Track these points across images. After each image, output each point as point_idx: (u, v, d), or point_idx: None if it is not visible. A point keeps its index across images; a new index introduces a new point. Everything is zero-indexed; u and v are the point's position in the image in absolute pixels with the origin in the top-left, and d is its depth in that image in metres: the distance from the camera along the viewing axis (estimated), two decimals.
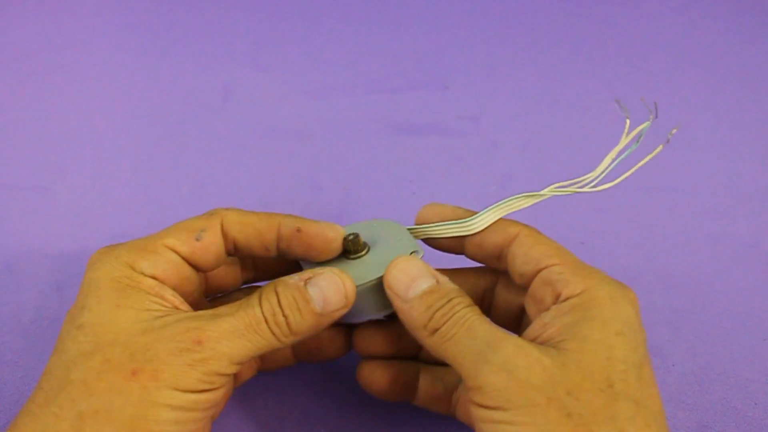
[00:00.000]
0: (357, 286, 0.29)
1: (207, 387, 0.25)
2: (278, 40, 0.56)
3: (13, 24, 0.56)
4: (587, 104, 0.53)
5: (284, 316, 0.27)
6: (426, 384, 0.32)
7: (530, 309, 0.28)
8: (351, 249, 0.30)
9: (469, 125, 0.51)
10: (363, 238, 0.30)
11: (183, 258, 0.28)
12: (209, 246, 0.29)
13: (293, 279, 0.28)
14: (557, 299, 0.26)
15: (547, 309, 0.27)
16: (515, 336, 0.25)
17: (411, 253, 0.30)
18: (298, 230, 0.29)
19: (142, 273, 0.27)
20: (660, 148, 0.28)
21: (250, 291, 0.34)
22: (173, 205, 0.45)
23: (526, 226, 0.29)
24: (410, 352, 0.33)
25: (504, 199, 0.30)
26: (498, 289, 0.32)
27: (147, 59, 0.54)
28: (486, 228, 0.30)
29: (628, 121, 0.29)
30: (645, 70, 0.56)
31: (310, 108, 0.51)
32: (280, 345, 0.27)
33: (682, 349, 0.38)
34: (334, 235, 0.30)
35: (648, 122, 0.28)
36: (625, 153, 0.29)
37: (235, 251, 0.30)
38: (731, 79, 0.55)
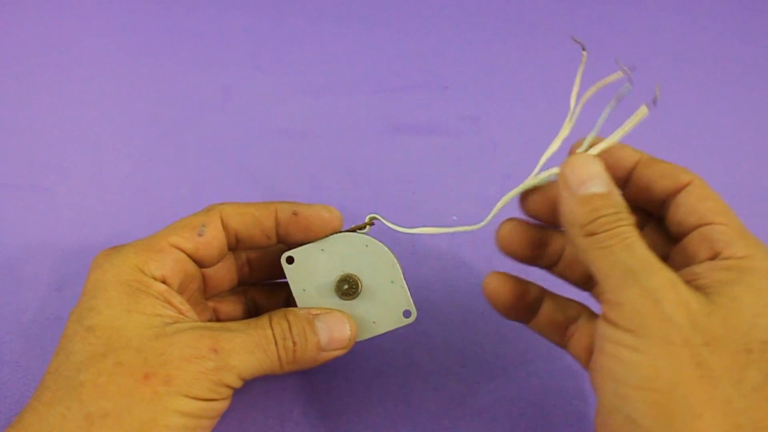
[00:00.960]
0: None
1: (215, 396, 0.25)
2: (278, 40, 0.56)
3: (12, 24, 0.56)
4: (587, 104, 0.53)
5: (293, 342, 0.27)
6: (548, 310, 0.31)
7: (677, 259, 0.27)
8: (346, 293, 0.30)
9: (469, 125, 0.51)
10: (353, 271, 0.31)
11: (188, 255, 0.29)
12: (212, 240, 0.29)
13: (302, 311, 0.29)
14: (714, 257, 0.26)
15: (699, 263, 0.26)
16: (671, 270, 0.24)
17: (404, 311, 0.30)
18: (295, 213, 0.30)
19: (152, 276, 0.27)
20: (644, 110, 0.27)
21: (244, 291, 0.35)
22: (173, 205, 0.45)
23: (697, 176, 0.28)
24: (548, 262, 0.32)
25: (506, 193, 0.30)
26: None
27: (147, 59, 0.54)
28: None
29: (584, 53, 0.28)
30: (645, 70, 0.56)
31: (310, 108, 0.51)
32: (279, 371, 0.28)
33: None
34: (330, 216, 0.30)
35: (627, 85, 0.28)
36: (605, 111, 0.28)
37: (236, 244, 0.30)
38: (731, 79, 0.55)
